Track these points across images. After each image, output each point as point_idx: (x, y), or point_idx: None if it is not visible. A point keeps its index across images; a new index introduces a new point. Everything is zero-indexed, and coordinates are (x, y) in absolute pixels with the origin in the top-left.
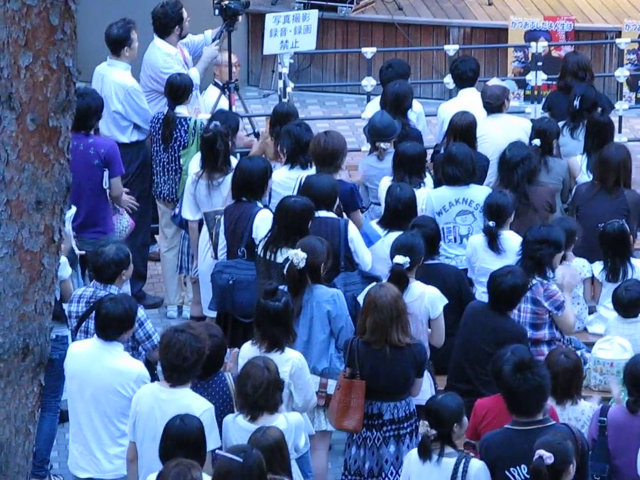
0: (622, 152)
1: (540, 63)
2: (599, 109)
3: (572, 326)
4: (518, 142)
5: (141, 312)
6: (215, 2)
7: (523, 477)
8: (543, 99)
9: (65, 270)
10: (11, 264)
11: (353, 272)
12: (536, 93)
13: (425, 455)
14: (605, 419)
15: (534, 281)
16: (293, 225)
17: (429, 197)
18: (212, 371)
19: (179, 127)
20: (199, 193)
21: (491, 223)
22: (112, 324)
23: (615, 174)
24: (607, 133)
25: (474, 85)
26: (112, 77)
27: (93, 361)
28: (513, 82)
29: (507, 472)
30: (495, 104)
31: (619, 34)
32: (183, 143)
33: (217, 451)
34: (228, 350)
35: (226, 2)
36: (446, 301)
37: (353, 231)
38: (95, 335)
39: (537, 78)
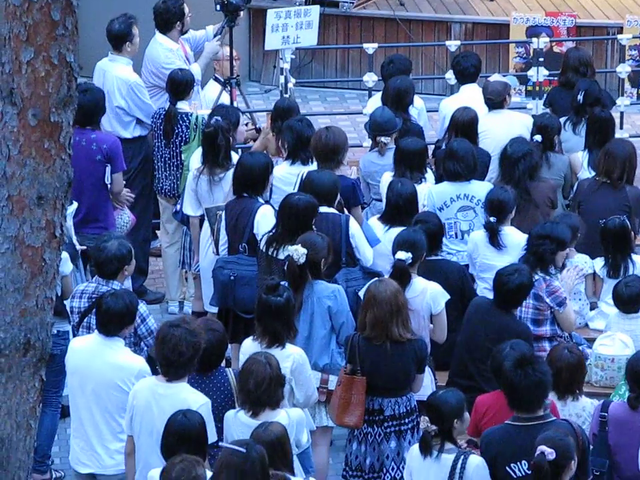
0: (628, 147)
1: (541, 59)
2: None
3: (573, 323)
4: (519, 138)
5: (143, 308)
6: None
7: (523, 473)
8: (545, 95)
9: (66, 265)
10: (12, 259)
11: (354, 268)
12: (537, 88)
13: (425, 450)
14: (606, 414)
15: (536, 277)
16: (296, 222)
17: (430, 192)
18: (213, 366)
19: (181, 122)
20: (200, 188)
21: (492, 219)
22: (113, 319)
23: (620, 169)
24: (608, 129)
25: (475, 81)
26: (114, 72)
27: (94, 357)
28: (514, 78)
29: (507, 468)
30: (496, 100)
31: (620, 30)
32: (184, 138)
33: (220, 443)
34: (229, 345)
35: None
36: (448, 297)
37: (354, 227)
38: (96, 331)
39: (539, 74)
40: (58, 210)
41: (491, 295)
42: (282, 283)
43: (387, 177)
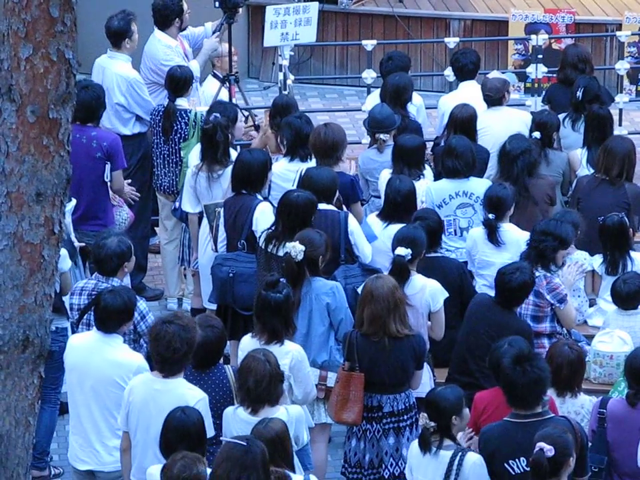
0: (627, 144)
1: (540, 56)
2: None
3: (574, 320)
4: (518, 134)
5: (143, 305)
6: None
7: (521, 470)
8: (543, 92)
9: (65, 262)
10: (11, 256)
11: (353, 265)
12: (536, 85)
13: (424, 446)
14: (604, 410)
15: (537, 274)
16: (296, 219)
17: (428, 189)
18: (212, 363)
19: (180, 119)
20: (199, 185)
21: (491, 216)
22: (111, 316)
23: (619, 166)
24: (606, 126)
25: (474, 78)
26: (114, 69)
27: (93, 353)
28: (513, 74)
29: (505, 464)
30: (495, 96)
31: (619, 26)
32: (183, 135)
33: (221, 438)
34: (228, 342)
35: None
36: (447, 294)
37: (353, 224)
38: (94, 327)
39: (537, 70)
40: (57, 207)
41: (489, 292)
42: (281, 279)
43: (386, 174)
